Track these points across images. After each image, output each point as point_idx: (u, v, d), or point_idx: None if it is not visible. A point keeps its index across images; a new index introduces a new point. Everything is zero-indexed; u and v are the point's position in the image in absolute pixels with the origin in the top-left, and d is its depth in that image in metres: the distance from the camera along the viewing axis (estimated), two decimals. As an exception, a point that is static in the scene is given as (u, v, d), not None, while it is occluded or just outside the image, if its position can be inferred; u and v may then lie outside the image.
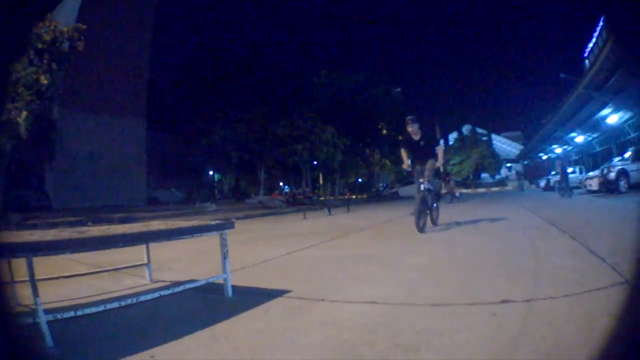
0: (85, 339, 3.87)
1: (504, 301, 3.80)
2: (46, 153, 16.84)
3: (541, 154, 79.02)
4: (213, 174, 62.38)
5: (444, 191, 26.45)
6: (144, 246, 5.62)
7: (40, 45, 15.29)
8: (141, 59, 35.29)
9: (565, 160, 34.99)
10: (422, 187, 9.72)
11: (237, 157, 47.18)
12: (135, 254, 5.81)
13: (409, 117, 10.31)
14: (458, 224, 11.15)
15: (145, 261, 5.68)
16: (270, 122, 44.66)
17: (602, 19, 38.58)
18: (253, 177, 55.31)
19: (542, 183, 36.59)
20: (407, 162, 10.22)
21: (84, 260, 6.71)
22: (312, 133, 41.70)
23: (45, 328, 3.63)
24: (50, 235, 4.23)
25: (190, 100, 46.56)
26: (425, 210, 9.86)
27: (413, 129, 10.08)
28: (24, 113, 13.08)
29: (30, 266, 3.57)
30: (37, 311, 3.62)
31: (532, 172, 74.99)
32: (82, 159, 24.69)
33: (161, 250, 7.01)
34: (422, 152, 10.08)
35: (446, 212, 14.55)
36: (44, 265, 5.22)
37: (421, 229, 9.38)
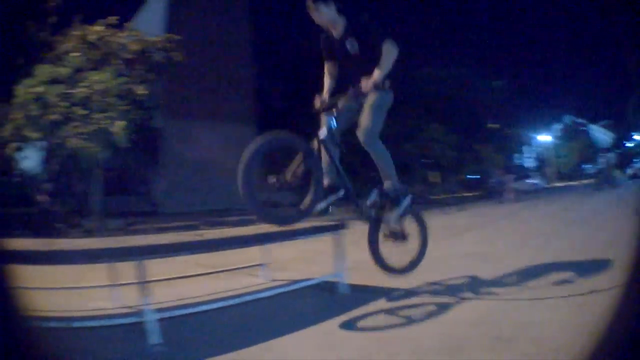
0: (195, 336, 4.06)
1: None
2: (151, 160, 17.50)
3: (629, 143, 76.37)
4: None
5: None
6: (258, 248, 5.73)
7: (127, 56, 15.90)
8: (246, 63, 35.16)
9: (610, 154, 34.39)
10: (323, 134, 4.74)
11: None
12: (249, 255, 5.96)
13: None
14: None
15: (261, 262, 5.82)
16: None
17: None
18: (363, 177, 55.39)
19: (630, 171, 35.16)
20: (323, 95, 5.16)
21: (199, 262, 6.84)
22: (421, 130, 41.21)
23: (152, 326, 3.84)
24: (165, 239, 4.46)
25: (297, 103, 47.07)
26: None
27: (320, 15, 4.79)
28: (122, 122, 13.65)
29: (140, 268, 3.78)
30: (145, 310, 3.83)
31: (623, 160, 72.79)
32: (191, 165, 25.12)
33: (276, 251, 7.18)
34: (357, 64, 4.79)
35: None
36: (159, 268, 5.54)
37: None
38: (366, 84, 4.50)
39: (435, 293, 4.62)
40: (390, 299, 4.56)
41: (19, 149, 14.62)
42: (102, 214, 16.10)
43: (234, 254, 5.64)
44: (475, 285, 4.78)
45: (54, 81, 13.90)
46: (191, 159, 25.59)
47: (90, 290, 5.55)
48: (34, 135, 13.76)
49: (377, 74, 4.49)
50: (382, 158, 4.88)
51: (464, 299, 4.29)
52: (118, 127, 13.48)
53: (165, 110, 19.30)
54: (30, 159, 16.62)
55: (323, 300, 4.85)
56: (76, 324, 3.97)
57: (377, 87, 4.55)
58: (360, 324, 3.87)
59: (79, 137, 13.51)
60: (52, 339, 4.14)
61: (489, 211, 18.80)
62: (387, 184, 4.93)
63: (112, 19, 15.78)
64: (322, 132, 4.71)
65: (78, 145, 13.49)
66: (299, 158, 4.43)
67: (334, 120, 4.77)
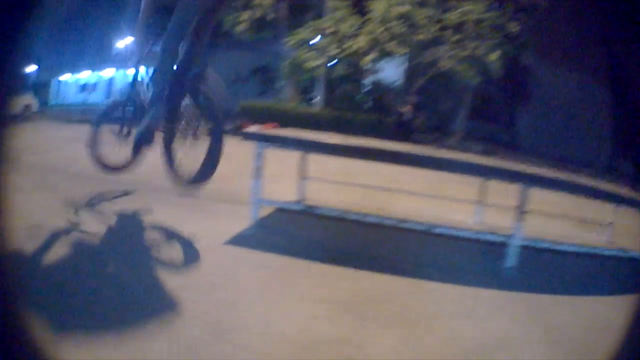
0: (547, 270, 4.24)
1: None
2: (517, 94, 17.50)
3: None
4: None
5: None
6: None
7: None
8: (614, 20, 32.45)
9: None
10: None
11: None
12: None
13: None
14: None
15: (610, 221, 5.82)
16: None
17: None
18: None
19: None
20: None
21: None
22: None
23: (513, 250, 4.03)
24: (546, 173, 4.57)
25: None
26: None
27: None
28: (495, 53, 14.18)
29: (523, 194, 3.92)
30: (513, 234, 4.01)
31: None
32: (553, 108, 24.53)
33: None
34: None
35: None
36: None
37: None
38: None
39: None
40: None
41: (374, 60, 15.74)
42: (463, 136, 17.19)
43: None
44: None
45: (420, 4, 14.90)
46: (553, 102, 24.77)
47: (453, 203, 6.01)
48: (399, 50, 14.75)
49: None
50: None
51: None
52: (492, 57, 14.12)
53: (534, 50, 18.94)
54: (386, 72, 17.77)
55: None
56: (440, 231, 4.32)
57: None
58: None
59: (451, 59, 14.53)
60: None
61: None
62: None
63: None
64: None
65: (450, 67, 14.58)
66: None
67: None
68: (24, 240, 3.77)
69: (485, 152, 14.56)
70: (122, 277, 3.55)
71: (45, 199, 5.12)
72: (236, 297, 3.36)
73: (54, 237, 4.05)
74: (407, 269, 4.14)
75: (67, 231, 4.26)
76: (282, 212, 5.36)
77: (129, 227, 4.77)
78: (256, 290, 3.49)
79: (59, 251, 3.91)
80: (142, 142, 4.15)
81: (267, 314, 3.12)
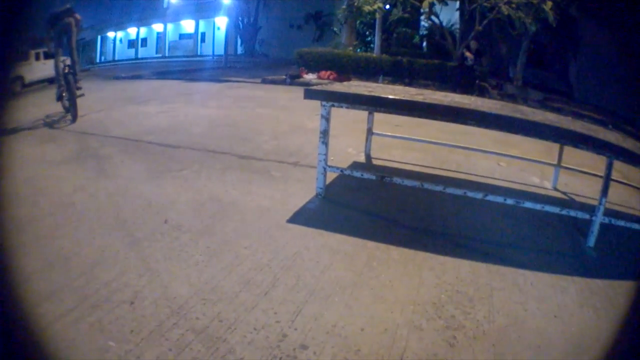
0: (625, 248, 4.18)
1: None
2: (571, 44, 17.27)
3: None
4: None
5: None
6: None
7: None
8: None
9: None
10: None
11: None
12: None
13: None
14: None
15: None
16: None
17: None
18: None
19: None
20: None
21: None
22: None
23: (595, 228, 4.00)
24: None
25: None
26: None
27: None
28: (550, 2, 14.29)
29: (609, 166, 3.85)
30: (597, 210, 3.92)
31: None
32: (598, 61, 24.28)
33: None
34: None
35: None
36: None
37: None
38: None
39: None
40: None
41: (433, 4, 15.62)
42: (522, 83, 17.45)
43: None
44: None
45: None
46: (608, 56, 24.31)
47: (525, 163, 6.30)
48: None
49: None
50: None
51: None
52: (547, 6, 14.25)
53: (581, 4, 18.70)
54: (442, 16, 17.59)
55: None
56: (527, 205, 4.17)
57: None
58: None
59: (510, 5, 14.74)
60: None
61: None
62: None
63: None
64: None
65: (510, 12, 14.71)
66: None
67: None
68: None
69: (545, 102, 14.49)
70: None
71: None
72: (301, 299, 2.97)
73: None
74: (486, 248, 3.90)
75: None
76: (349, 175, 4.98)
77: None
78: (322, 292, 3.06)
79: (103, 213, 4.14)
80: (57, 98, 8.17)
81: (336, 326, 2.70)
